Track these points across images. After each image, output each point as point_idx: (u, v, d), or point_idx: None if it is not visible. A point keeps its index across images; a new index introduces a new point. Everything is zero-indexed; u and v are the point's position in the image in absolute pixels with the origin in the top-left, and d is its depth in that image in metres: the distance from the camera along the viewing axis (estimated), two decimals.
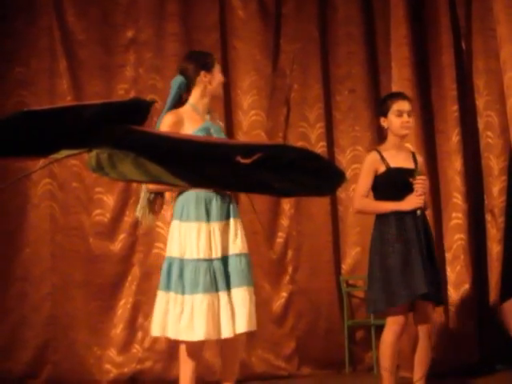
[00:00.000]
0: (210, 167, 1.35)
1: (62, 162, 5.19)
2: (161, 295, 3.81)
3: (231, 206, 3.89)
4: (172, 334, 3.76)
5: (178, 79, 3.97)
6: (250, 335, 3.97)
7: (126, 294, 5.86)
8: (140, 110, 1.37)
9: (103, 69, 6.03)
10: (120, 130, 1.33)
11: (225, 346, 3.91)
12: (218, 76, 3.98)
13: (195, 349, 3.78)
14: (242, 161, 1.35)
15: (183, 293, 3.73)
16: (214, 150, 1.35)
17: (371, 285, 4.09)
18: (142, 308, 5.83)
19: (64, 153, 1.39)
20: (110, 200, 5.90)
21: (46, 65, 5.95)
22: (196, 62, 3.97)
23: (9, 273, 5.73)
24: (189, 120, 3.86)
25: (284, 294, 6.03)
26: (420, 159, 4.33)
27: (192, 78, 3.93)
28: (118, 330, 5.81)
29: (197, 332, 3.67)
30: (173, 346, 5.68)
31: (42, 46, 5.96)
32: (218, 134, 3.89)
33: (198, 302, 3.68)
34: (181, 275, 3.75)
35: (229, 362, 3.95)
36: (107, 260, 5.85)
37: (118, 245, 5.89)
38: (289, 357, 5.96)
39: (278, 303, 6.00)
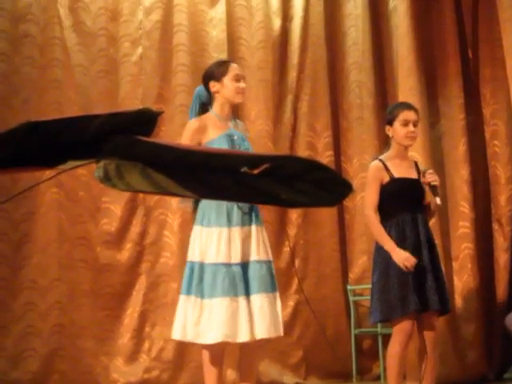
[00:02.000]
0: (216, 178, 1.35)
1: (70, 171, 5.21)
2: (182, 299, 3.87)
3: (253, 214, 3.91)
4: (191, 337, 3.81)
5: (198, 88, 4.11)
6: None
7: (132, 304, 5.86)
8: (147, 120, 1.37)
9: (110, 78, 6.04)
10: (127, 141, 1.33)
11: (243, 353, 3.93)
12: (229, 84, 3.98)
13: (216, 354, 3.81)
14: (249, 172, 1.36)
15: (202, 297, 3.78)
16: (221, 161, 1.35)
17: (371, 294, 4.12)
18: (149, 317, 5.83)
19: (71, 164, 1.39)
20: (117, 209, 5.90)
21: (54, 75, 5.96)
22: (206, 72, 4.08)
23: (16, 282, 5.72)
24: (213, 126, 3.97)
25: (291, 303, 6.02)
26: (423, 168, 4.27)
27: (206, 88, 4.05)
28: (125, 340, 5.80)
29: (214, 334, 3.71)
30: (180, 355, 5.69)
31: (51, 56, 5.97)
32: (241, 142, 3.96)
33: (216, 305, 3.72)
34: (201, 279, 3.80)
35: (247, 368, 3.96)
36: (114, 269, 5.85)
37: (125, 254, 5.89)
38: (296, 366, 5.95)
39: (285, 312, 5.98)
